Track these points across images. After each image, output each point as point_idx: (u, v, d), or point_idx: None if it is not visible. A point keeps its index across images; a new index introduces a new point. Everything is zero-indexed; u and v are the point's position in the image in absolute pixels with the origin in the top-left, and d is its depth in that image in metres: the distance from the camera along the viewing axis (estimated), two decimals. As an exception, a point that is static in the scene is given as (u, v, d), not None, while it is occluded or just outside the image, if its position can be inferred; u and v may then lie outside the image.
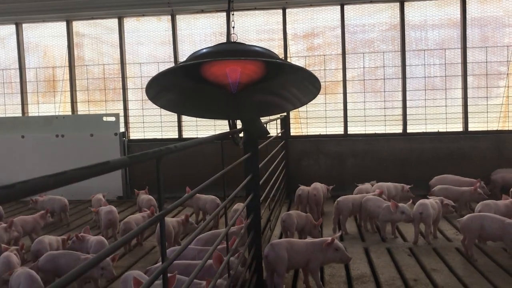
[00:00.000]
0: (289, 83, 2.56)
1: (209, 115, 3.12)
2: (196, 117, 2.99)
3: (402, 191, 5.11)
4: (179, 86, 2.56)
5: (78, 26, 7.13)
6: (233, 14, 2.86)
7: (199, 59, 2.23)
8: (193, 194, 1.86)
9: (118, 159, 1.12)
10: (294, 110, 6.53)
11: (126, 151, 6.80)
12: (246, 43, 2.45)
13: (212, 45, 2.41)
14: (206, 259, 1.96)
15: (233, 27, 2.83)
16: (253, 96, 2.69)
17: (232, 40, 2.68)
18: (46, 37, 7.22)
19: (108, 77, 7.14)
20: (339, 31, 6.52)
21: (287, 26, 6.61)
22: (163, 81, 2.38)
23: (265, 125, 3.74)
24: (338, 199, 4.57)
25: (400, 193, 5.14)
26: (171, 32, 6.83)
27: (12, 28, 7.17)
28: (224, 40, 6.28)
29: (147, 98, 2.53)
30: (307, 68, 6.26)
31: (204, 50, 2.29)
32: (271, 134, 4.51)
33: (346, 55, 6.50)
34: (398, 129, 6.50)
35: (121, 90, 7.04)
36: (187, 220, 4.04)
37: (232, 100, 2.61)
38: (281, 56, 6.63)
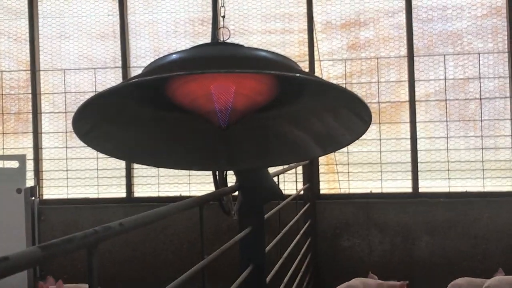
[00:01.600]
0: (317, 112, 2.67)
1: (180, 164, 3.23)
2: (158, 167, 3.07)
3: None
4: (131, 116, 2.65)
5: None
6: (223, -4, 3.10)
7: (165, 72, 2.30)
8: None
9: (24, 254, 1.16)
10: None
11: (37, 219, 6.90)
12: (244, 45, 2.53)
13: (187, 48, 2.50)
14: None
15: (223, 16, 2.92)
16: (256, 133, 2.80)
17: (221, 39, 2.77)
18: None
19: (8, 93, 7.32)
20: (402, 17, 6.68)
21: (313, 9, 6.77)
22: (104, 108, 2.47)
23: (276, 179, 3.83)
24: None
25: None
26: (118, 17, 7.02)
27: None
28: (207, 35, 6.30)
29: (75, 134, 2.62)
30: (349, 85, 6.48)
31: (174, 56, 2.38)
32: (285, 194, 4.57)
33: (414, 58, 6.67)
34: (508, 185, 6.63)
35: (31, 116, 7.21)
36: None
37: (221, 138, 2.71)
38: (304, 62, 6.75)
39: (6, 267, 1.06)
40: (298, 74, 2.32)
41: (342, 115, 2.64)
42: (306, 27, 6.79)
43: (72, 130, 2.63)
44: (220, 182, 3.02)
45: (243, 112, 2.55)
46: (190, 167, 3.65)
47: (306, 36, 6.79)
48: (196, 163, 3.19)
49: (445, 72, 6.73)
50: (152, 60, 2.50)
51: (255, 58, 2.37)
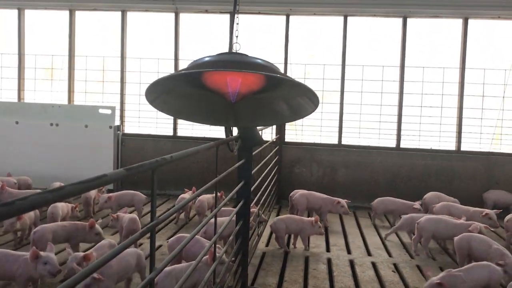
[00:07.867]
0: (287, 97, 3.16)
1: (207, 121, 3.78)
2: (194, 122, 3.65)
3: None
4: (179, 91, 3.13)
5: (80, 16, 8.71)
6: (237, 24, 3.57)
7: (201, 68, 2.73)
8: (193, 198, 2.44)
9: (115, 172, 1.40)
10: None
11: (120, 144, 8.42)
12: (248, 55, 2.91)
13: (214, 54, 2.87)
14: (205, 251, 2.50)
15: (237, 36, 3.45)
16: (251, 106, 3.33)
17: (235, 50, 3.27)
18: (47, 24, 8.91)
19: (107, 70, 8.78)
20: (340, 41, 8.06)
21: (289, 33, 8.22)
22: (163, 86, 2.94)
23: (260, 132, 4.45)
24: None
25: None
26: (174, 29, 8.49)
27: (14, 12, 8.92)
28: (226, 43, 7.68)
29: (146, 101, 3.11)
30: (307, 78, 7.35)
31: (207, 59, 2.79)
32: (266, 140, 5.33)
33: (345, 66, 8.11)
34: (392, 143, 8.14)
35: (119, 84, 8.74)
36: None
37: (230, 108, 3.25)
38: (282, 62, 8.10)
39: (105, 180, 1.34)
40: (279, 75, 2.73)
41: (302, 100, 3.13)
42: (284, 43, 8.77)
43: (143, 93, 3.06)
44: (228, 132, 3.60)
45: (244, 94, 3.05)
46: (213, 123, 4.26)
47: (283, 48, 8.65)
48: (216, 121, 3.75)
49: (363, 76, 8.69)
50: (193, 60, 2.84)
51: (254, 63, 2.80)
